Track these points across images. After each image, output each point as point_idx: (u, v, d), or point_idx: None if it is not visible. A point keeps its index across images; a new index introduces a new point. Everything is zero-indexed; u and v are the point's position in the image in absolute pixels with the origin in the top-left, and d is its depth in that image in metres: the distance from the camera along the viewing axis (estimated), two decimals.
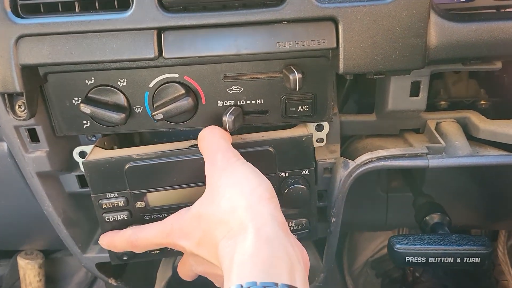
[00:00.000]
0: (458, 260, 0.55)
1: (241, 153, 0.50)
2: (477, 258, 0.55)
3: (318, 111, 0.56)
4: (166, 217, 0.55)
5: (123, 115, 0.53)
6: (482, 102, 0.67)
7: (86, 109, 0.53)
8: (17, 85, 0.48)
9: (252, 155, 0.53)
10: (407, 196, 0.77)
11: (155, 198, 0.57)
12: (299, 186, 0.56)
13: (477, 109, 0.64)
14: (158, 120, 0.54)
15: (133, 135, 0.67)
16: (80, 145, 0.61)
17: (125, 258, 0.60)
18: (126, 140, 0.66)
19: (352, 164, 0.57)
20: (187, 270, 0.57)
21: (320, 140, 0.61)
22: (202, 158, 0.51)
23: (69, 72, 0.53)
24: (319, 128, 0.60)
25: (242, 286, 0.37)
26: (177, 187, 0.56)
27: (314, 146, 0.59)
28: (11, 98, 0.52)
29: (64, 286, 1.02)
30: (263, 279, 0.38)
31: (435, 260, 0.55)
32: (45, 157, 0.57)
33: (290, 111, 0.56)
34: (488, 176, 0.75)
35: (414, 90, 0.56)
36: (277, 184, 0.57)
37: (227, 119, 0.53)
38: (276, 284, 0.37)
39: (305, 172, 0.58)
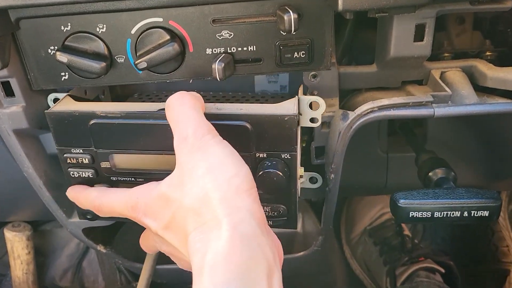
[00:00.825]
0: (465, 214, 0.52)
1: (214, 124, 0.45)
2: (485, 212, 0.52)
3: (316, 58, 0.52)
4: (133, 181, 0.54)
5: (103, 64, 0.49)
6: (488, 53, 0.63)
7: (63, 57, 0.48)
8: None
9: (227, 129, 0.48)
10: (408, 156, 0.74)
11: (122, 160, 0.54)
12: (275, 171, 0.50)
13: None
14: (141, 69, 0.50)
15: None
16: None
17: (88, 217, 0.58)
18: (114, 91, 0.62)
19: (352, 115, 0.53)
20: (150, 245, 0.54)
21: (314, 120, 0.54)
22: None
23: (43, 17, 0.49)
24: (314, 106, 0.53)
25: None
26: (145, 152, 0.52)
27: (304, 126, 0.54)
28: None
29: (55, 259, 0.99)
30: (238, 285, 0.35)
31: (440, 215, 0.52)
32: (21, 112, 0.53)
33: (285, 58, 0.52)
34: (493, 133, 0.72)
35: (419, 34, 0.52)
36: (253, 164, 0.51)
37: (217, 66, 0.49)
38: None
39: (286, 155, 0.51)
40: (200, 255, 0.37)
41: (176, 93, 0.47)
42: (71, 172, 0.55)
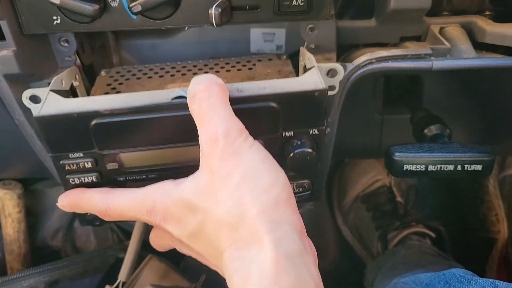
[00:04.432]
0: (459, 168, 0.52)
1: (237, 110, 0.42)
2: (478, 166, 0.52)
3: (314, 7, 0.51)
4: (144, 179, 0.48)
5: (96, 6, 0.48)
6: (487, 12, 0.62)
7: None
8: None
9: (251, 112, 0.44)
10: (403, 118, 0.74)
11: (132, 158, 0.47)
12: (306, 150, 0.46)
13: None
14: (136, 13, 0.48)
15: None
16: (50, 48, 0.56)
17: (96, 223, 0.51)
18: (89, 72, 0.58)
19: (350, 66, 0.52)
20: (164, 244, 0.49)
21: (332, 88, 0.50)
22: (189, 115, 0.42)
23: None
24: (332, 74, 0.50)
25: None
26: (157, 147, 0.47)
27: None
28: None
29: (45, 219, 0.98)
30: None
31: (434, 168, 0.52)
32: (12, 56, 0.51)
33: (283, 5, 0.51)
34: (488, 94, 0.72)
35: None
36: (279, 145, 0.48)
37: (213, 11, 0.48)
38: None
39: (313, 131, 0.48)
40: (241, 276, 0.34)
41: (202, 81, 0.42)
42: (71, 179, 0.47)
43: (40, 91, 0.48)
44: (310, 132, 0.48)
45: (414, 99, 0.71)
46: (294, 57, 0.68)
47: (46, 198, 0.98)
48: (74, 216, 0.99)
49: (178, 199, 0.40)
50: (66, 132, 0.45)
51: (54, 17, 0.51)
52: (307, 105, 0.46)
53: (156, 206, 0.42)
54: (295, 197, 0.40)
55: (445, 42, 0.53)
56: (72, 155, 0.46)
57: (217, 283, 0.53)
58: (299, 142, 0.47)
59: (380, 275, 0.83)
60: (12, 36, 0.51)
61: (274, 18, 0.52)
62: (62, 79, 0.51)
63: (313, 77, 0.47)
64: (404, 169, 0.53)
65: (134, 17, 0.51)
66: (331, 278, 1.10)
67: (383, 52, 0.52)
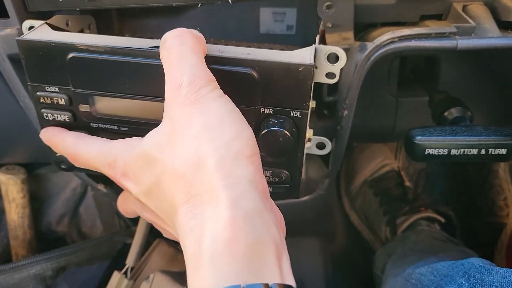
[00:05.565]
0: (483, 152, 0.50)
1: (214, 70, 0.39)
2: (503, 150, 0.50)
3: None
4: (116, 130, 0.48)
5: None
6: None
7: None
8: None
9: (229, 76, 0.42)
10: (418, 101, 0.72)
11: (104, 104, 0.47)
12: (282, 130, 0.43)
13: None
14: None
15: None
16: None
17: (63, 166, 0.51)
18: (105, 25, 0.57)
19: (370, 45, 0.50)
20: (129, 209, 0.48)
21: (331, 76, 0.46)
22: None
23: None
24: (333, 60, 0.45)
25: None
26: (131, 97, 0.45)
27: (318, 81, 0.47)
28: None
29: (51, 204, 0.97)
30: (248, 279, 0.29)
31: (457, 152, 0.50)
32: (17, 35, 0.49)
33: None
34: (508, 75, 0.70)
35: None
36: (256, 121, 0.45)
37: None
38: (266, 285, 0.29)
39: (295, 113, 0.44)
40: (195, 238, 0.32)
41: (175, 29, 0.39)
42: (45, 114, 0.48)
43: (39, 23, 0.48)
44: (292, 114, 0.44)
45: (430, 81, 0.69)
46: (308, 37, 0.66)
47: (50, 183, 0.96)
48: (80, 201, 0.98)
49: (137, 153, 0.38)
50: (44, 62, 0.45)
51: None
52: (289, 80, 0.42)
53: (117, 161, 0.40)
54: (269, 187, 0.38)
55: (470, 20, 0.51)
56: (48, 88, 0.46)
57: None
58: (275, 121, 0.43)
59: (391, 261, 0.82)
60: (16, 13, 0.49)
61: None
62: (68, 20, 0.50)
63: (304, 53, 0.43)
64: (426, 153, 0.51)
65: None
66: (338, 263, 1.10)
67: (406, 31, 0.49)
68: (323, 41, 0.56)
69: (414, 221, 0.95)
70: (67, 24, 0.52)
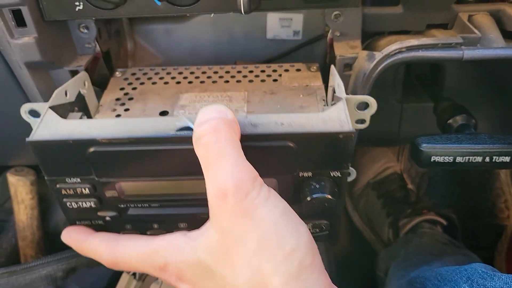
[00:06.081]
0: (487, 159, 0.51)
1: (250, 148, 0.38)
2: (507, 157, 0.51)
3: None
4: (147, 207, 0.46)
5: None
6: None
7: None
8: None
9: (265, 151, 0.40)
10: (422, 107, 0.73)
11: (132, 186, 0.44)
12: (326, 196, 0.41)
13: None
14: (160, 0, 0.47)
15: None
16: (70, 35, 0.55)
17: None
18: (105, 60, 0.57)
19: (379, 55, 0.51)
20: None
21: (360, 121, 0.45)
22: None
23: None
24: (363, 106, 0.44)
25: None
26: (160, 179, 0.43)
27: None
28: None
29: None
30: None
31: (462, 160, 0.52)
32: (34, 43, 0.50)
33: None
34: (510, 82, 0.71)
35: None
36: (294, 184, 0.43)
37: None
38: None
39: (335, 173, 0.42)
40: None
41: (209, 119, 0.37)
42: (68, 203, 0.45)
43: (39, 106, 0.46)
44: (331, 175, 0.42)
45: (435, 87, 0.70)
46: (315, 44, 0.67)
47: None
48: None
49: (192, 261, 0.37)
50: (61, 158, 0.41)
51: (76, 3, 0.50)
52: (329, 147, 0.40)
53: (169, 265, 0.39)
54: None
55: (475, 31, 0.52)
56: (69, 180, 0.43)
57: None
58: (317, 186, 0.42)
59: (394, 264, 0.83)
60: (33, 22, 0.50)
61: (303, 5, 0.50)
62: (66, 89, 0.48)
63: (339, 113, 0.41)
64: (432, 160, 0.52)
65: (159, 3, 0.49)
66: (341, 264, 1.11)
67: (414, 41, 0.51)
68: (331, 50, 0.57)
69: (416, 224, 0.96)
70: (66, 94, 0.49)
